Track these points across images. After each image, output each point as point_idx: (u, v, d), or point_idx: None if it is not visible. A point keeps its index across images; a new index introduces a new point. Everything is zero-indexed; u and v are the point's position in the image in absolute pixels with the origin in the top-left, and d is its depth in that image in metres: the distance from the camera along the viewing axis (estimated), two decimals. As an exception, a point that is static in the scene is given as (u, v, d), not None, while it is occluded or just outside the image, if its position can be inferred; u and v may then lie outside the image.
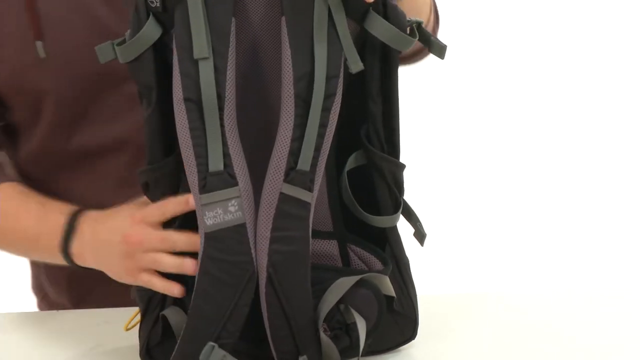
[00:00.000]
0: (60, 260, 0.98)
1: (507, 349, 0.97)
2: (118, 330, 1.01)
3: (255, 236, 0.81)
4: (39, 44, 1.02)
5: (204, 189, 0.79)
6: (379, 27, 0.81)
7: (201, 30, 0.77)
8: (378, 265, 0.91)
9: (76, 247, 0.96)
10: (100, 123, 1.07)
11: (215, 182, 0.79)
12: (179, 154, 0.81)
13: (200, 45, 0.77)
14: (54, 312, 1.16)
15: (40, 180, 1.11)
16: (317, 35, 0.78)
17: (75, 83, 1.04)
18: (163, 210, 0.87)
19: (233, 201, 0.79)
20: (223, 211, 0.79)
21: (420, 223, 0.94)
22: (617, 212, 3.15)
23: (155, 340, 0.88)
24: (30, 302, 1.29)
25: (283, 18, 0.79)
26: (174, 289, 0.86)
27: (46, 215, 1.00)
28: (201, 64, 0.78)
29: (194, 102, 0.78)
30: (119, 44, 0.82)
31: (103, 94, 1.06)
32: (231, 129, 0.80)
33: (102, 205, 0.98)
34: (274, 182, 0.79)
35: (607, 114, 3.47)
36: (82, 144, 1.08)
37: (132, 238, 0.88)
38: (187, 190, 0.82)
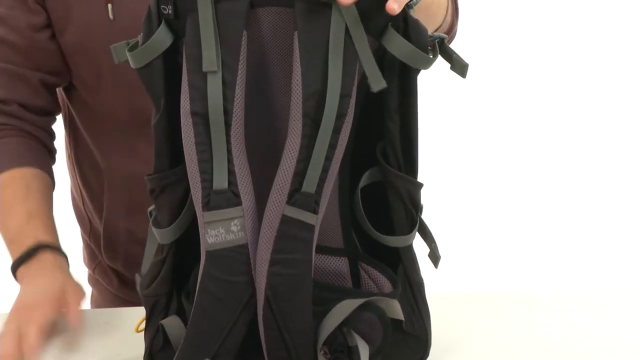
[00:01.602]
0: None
1: (512, 349, 0.97)
2: (120, 330, 1.01)
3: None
4: (109, 6, 1.06)
5: (207, 206, 0.76)
6: (397, 45, 0.76)
7: (211, 42, 0.74)
8: (387, 286, 0.89)
9: (20, 273, 1.03)
10: None
11: (218, 200, 0.76)
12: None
13: (210, 57, 0.75)
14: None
15: (100, 143, 1.17)
16: (333, 52, 0.75)
17: None
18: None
19: (236, 221, 0.77)
20: (225, 230, 0.77)
21: (436, 244, 0.90)
22: (621, 211, 3.14)
23: (157, 347, 0.88)
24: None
25: (295, 33, 0.76)
26: None
27: (24, 233, 1.05)
28: (210, 77, 0.75)
29: (201, 116, 0.75)
30: (130, 49, 0.80)
31: None
32: (238, 145, 0.77)
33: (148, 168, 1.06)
34: (277, 203, 0.77)
35: (610, 114, 3.47)
36: (140, 107, 1.09)
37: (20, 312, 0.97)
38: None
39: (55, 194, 1.14)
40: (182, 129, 0.77)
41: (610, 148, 3.39)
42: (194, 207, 0.80)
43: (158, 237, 0.84)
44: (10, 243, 1.07)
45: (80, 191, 1.26)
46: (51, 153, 1.18)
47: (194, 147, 0.76)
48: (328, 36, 0.75)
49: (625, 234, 3.01)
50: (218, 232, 0.77)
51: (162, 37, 0.78)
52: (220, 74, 0.75)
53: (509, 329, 1.01)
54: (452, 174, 3.15)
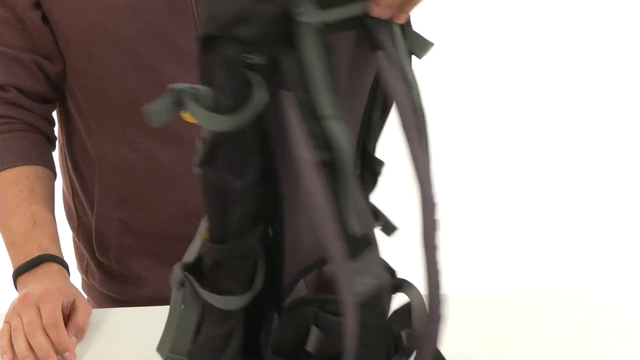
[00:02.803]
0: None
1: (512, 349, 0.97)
2: (118, 330, 1.01)
3: None
4: None
5: (353, 256, 0.69)
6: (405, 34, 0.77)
7: (326, 86, 0.67)
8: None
9: (21, 279, 1.04)
10: (148, 77, 1.09)
11: (359, 246, 0.71)
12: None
13: (330, 102, 0.67)
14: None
15: (92, 130, 1.16)
16: (409, 66, 0.74)
17: (146, 33, 1.06)
18: (28, 331, 0.96)
19: (376, 262, 0.74)
20: (372, 275, 0.72)
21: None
22: (623, 211, 3.15)
23: None
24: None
25: (380, 53, 0.72)
26: None
27: (29, 238, 1.06)
28: (331, 123, 0.68)
29: (327, 164, 0.68)
30: (220, 110, 0.67)
31: (155, 49, 1.08)
32: (358, 186, 0.74)
33: (159, 160, 1.10)
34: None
35: (611, 115, 3.48)
36: (129, 87, 1.09)
37: (13, 321, 0.99)
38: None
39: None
40: (304, 181, 0.67)
41: (611, 148, 3.39)
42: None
43: (226, 304, 0.73)
44: (12, 246, 1.07)
45: (71, 184, 1.25)
46: (52, 142, 1.19)
47: (324, 197, 0.67)
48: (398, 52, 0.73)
49: (627, 234, 3.01)
50: (366, 278, 0.71)
51: (263, 94, 0.67)
52: (340, 118, 0.68)
53: (513, 329, 1.02)
54: (452, 175, 3.15)
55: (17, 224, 1.07)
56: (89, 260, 1.26)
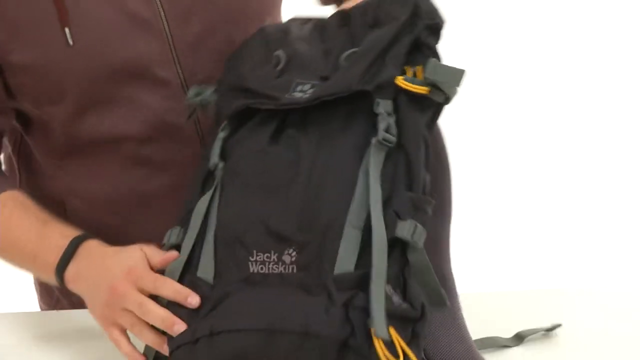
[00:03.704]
0: (52, 281, 0.97)
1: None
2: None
3: None
4: (67, 30, 0.98)
5: None
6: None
7: None
8: None
9: (71, 272, 0.95)
10: (124, 109, 1.04)
11: None
12: None
13: None
14: (54, 312, 1.15)
15: (59, 167, 1.10)
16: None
17: (100, 70, 1.01)
18: (157, 286, 0.86)
19: None
20: None
21: None
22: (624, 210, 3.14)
23: None
24: (30, 302, 1.29)
25: None
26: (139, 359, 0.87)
27: (47, 235, 0.98)
28: None
29: None
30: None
31: (130, 80, 1.02)
32: None
33: (119, 189, 1.01)
34: None
35: (614, 115, 3.47)
36: (103, 130, 1.05)
37: (117, 291, 0.87)
38: None
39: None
40: None
41: (612, 148, 3.39)
42: None
43: None
44: (33, 257, 0.98)
45: None
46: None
47: None
48: None
49: (629, 234, 3.01)
50: None
51: None
52: None
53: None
54: (455, 175, 3.14)
55: (28, 235, 0.99)
56: (60, 296, 1.19)
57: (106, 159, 1.08)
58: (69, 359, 1.00)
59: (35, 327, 1.08)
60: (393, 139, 0.83)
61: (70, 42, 0.98)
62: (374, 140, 0.82)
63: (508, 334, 1.00)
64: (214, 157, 0.90)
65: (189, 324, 0.82)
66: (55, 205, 1.09)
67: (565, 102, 3.50)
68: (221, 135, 0.91)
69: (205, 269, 0.85)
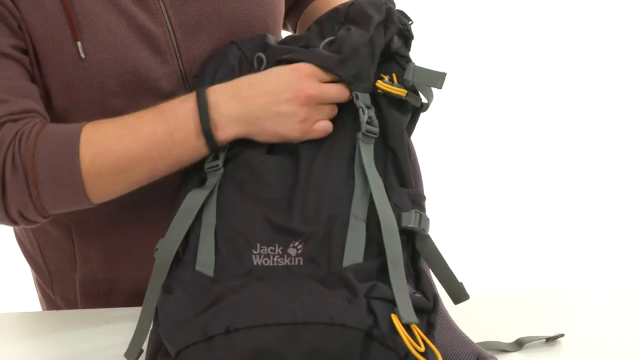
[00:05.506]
0: (199, 151, 0.94)
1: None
2: (118, 330, 1.01)
3: None
4: (79, 44, 0.99)
5: None
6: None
7: None
8: None
9: (217, 121, 0.92)
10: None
11: None
12: None
13: None
14: (54, 312, 1.15)
15: None
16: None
17: (110, 82, 1.01)
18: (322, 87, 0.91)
19: None
20: None
21: None
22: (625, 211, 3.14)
23: None
24: (30, 302, 1.29)
25: None
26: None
27: (166, 112, 0.96)
28: None
29: None
30: None
31: (138, 92, 1.03)
32: None
33: (124, 203, 1.00)
34: None
35: (614, 115, 3.47)
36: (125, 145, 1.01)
37: (304, 92, 0.90)
38: None
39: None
40: None
41: (613, 149, 3.39)
42: None
43: None
44: (169, 137, 0.94)
45: (38, 245, 1.17)
46: None
47: None
48: None
49: (630, 234, 3.00)
50: None
51: None
52: None
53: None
54: (454, 175, 3.15)
55: (148, 125, 0.96)
56: (61, 304, 1.19)
57: None
58: (69, 359, 0.99)
59: (35, 327, 1.08)
60: (375, 129, 0.88)
61: (83, 55, 0.99)
62: (359, 134, 0.87)
63: (508, 334, 0.99)
64: (214, 160, 0.92)
65: (187, 319, 0.81)
66: (60, 235, 1.12)
67: (565, 103, 3.50)
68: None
69: (204, 263, 0.85)
